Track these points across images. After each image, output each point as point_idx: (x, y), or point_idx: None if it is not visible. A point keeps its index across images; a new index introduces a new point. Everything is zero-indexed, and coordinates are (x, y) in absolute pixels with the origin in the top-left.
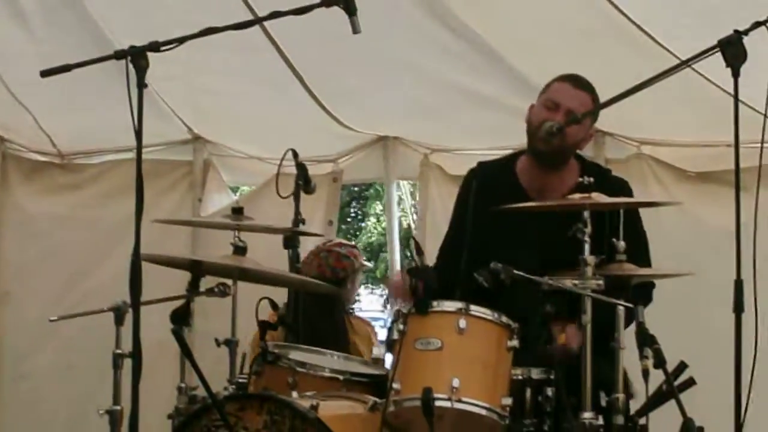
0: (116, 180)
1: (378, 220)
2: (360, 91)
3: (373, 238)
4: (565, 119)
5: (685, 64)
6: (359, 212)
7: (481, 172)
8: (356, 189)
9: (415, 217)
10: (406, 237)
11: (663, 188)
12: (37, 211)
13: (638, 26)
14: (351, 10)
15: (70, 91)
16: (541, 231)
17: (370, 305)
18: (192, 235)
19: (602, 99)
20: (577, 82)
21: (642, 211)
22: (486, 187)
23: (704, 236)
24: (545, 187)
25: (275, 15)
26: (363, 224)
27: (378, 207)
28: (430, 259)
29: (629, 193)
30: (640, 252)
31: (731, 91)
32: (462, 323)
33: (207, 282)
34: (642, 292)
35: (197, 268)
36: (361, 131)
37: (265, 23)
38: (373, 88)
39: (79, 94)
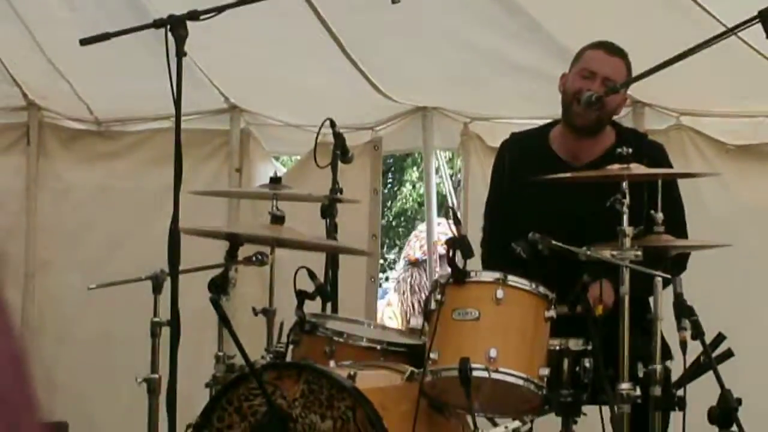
0: (153, 149)
1: (414, 188)
2: (398, 60)
3: (408, 205)
4: (602, 87)
5: (726, 34)
6: (395, 180)
7: (515, 143)
8: (392, 159)
9: (451, 187)
10: (444, 207)
11: (703, 160)
12: (75, 179)
13: None
14: None
15: (106, 58)
16: (576, 199)
17: None
18: (229, 204)
19: (642, 66)
20: (610, 48)
21: (680, 181)
22: (520, 158)
23: (743, 208)
24: (579, 153)
25: None
26: (398, 191)
27: (414, 174)
28: (470, 229)
29: (666, 159)
30: (676, 221)
31: None
32: (500, 293)
33: (245, 250)
34: (676, 261)
35: (234, 238)
36: (400, 101)
37: None
38: (412, 56)
39: (116, 61)
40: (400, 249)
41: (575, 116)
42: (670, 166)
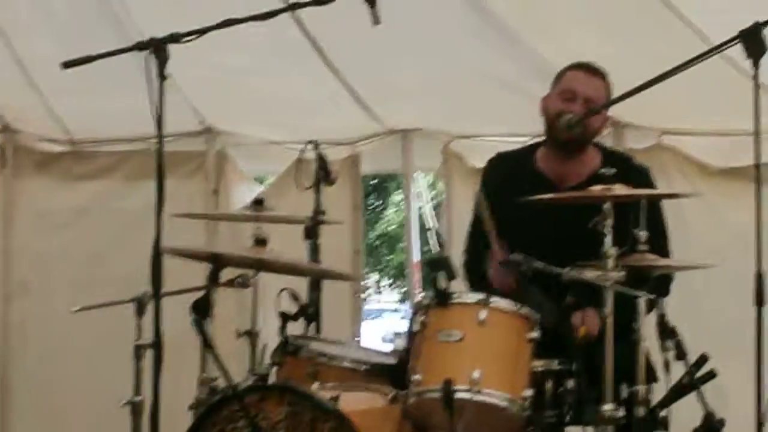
0: (130, 170)
1: (398, 210)
2: (380, 74)
3: (391, 228)
4: (583, 108)
5: (708, 54)
6: (379, 202)
7: (501, 162)
8: (375, 181)
9: (431, 209)
10: (425, 229)
11: (685, 180)
12: (51, 201)
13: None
14: (372, 2)
15: (82, 74)
16: (561, 220)
17: (389, 297)
18: (206, 226)
19: (625, 82)
20: (590, 69)
21: (664, 202)
22: (506, 178)
23: (726, 229)
24: (566, 174)
25: (296, 6)
26: (381, 213)
27: (398, 197)
28: (454, 249)
29: (651, 181)
30: (660, 242)
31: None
32: (482, 315)
33: (227, 273)
34: (660, 285)
35: (218, 260)
36: (380, 115)
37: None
38: (393, 71)
39: (92, 77)
40: (382, 271)
41: (558, 135)
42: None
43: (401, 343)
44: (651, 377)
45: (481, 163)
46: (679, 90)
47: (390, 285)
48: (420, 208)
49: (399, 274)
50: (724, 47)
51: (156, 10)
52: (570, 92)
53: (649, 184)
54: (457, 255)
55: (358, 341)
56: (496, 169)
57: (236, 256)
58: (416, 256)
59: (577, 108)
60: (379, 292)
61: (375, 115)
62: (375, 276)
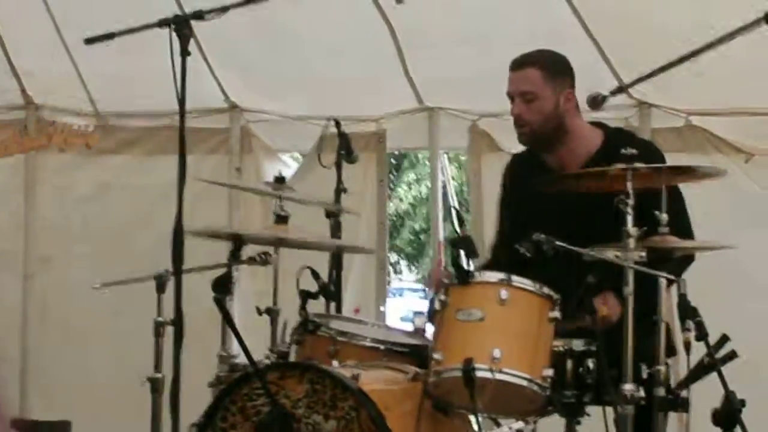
0: (153, 145)
1: (410, 188)
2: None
3: (402, 207)
4: (524, 106)
5: (729, 37)
6: (391, 181)
7: (514, 162)
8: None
9: (452, 188)
10: (448, 207)
11: (714, 160)
12: (73, 176)
13: None
14: None
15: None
16: (578, 205)
17: (407, 277)
18: (230, 203)
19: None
20: (515, 64)
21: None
22: (520, 175)
23: (750, 210)
24: (563, 160)
25: None
26: (393, 192)
27: (411, 176)
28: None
29: (659, 156)
30: (682, 222)
31: None
32: (504, 294)
33: (248, 250)
34: (678, 266)
35: (239, 239)
36: (405, 97)
37: None
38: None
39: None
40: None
41: (519, 139)
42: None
43: (421, 321)
44: (670, 351)
45: (508, 142)
46: (705, 71)
47: (407, 265)
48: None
49: (415, 253)
50: (747, 29)
51: None
52: (509, 96)
53: (658, 158)
54: (479, 234)
55: (384, 314)
56: (510, 170)
57: (256, 235)
58: (441, 236)
59: (518, 108)
60: (397, 272)
61: (399, 96)
62: (393, 256)
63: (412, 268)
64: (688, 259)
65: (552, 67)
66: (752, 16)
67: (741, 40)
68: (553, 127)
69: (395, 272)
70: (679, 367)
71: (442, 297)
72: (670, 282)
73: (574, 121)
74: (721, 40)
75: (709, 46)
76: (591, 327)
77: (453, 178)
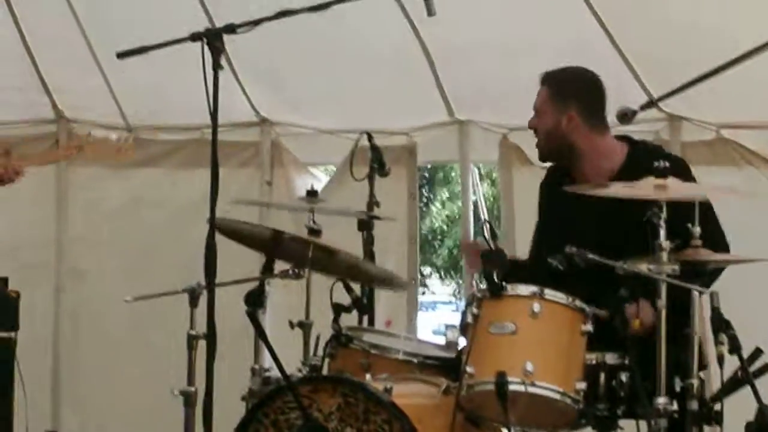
0: (184, 158)
1: (443, 206)
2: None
3: (437, 225)
4: (537, 121)
5: (758, 51)
6: (426, 197)
7: (548, 176)
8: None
9: (483, 202)
10: (479, 222)
11: (745, 173)
12: (105, 190)
13: None
14: None
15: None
16: (610, 217)
17: (442, 290)
18: (260, 215)
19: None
20: (539, 79)
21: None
22: (553, 190)
23: None
24: (587, 175)
25: None
26: (427, 210)
27: (444, 194)
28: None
29: (687, 171)
30: (716, 238)
31: None
32: (536, 307)
33: (281, 264)
34: (707, 279)
35: (272, 251)
36: (436, 110)
37: None
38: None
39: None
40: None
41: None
42: (692, 179)
43: (453, 335)
44: (701, 365)
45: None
46: (735, 84)
47: (440, 278)
48: (475, 200)
49: (450, 268)
50: None
51: None
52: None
53: (686, 173)
54: (510, 247)
55: (414, 329)
56: (545, 182)
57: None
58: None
59: (531, 120)
60: (425, 285)
61: (429, 110)
62: (426, 269)
63: (446, 282)
64: (717, 271)
65: (558, 86)
66: None
67: None
68: (557, 144)
69: (424, 285)
70: (713, 380)
71: (475, 310)
72: (700, 294)
73: (584, 140)
74: (749, 54)
75: (739, 59)
76: (626, 335)
77: (484, 196)
